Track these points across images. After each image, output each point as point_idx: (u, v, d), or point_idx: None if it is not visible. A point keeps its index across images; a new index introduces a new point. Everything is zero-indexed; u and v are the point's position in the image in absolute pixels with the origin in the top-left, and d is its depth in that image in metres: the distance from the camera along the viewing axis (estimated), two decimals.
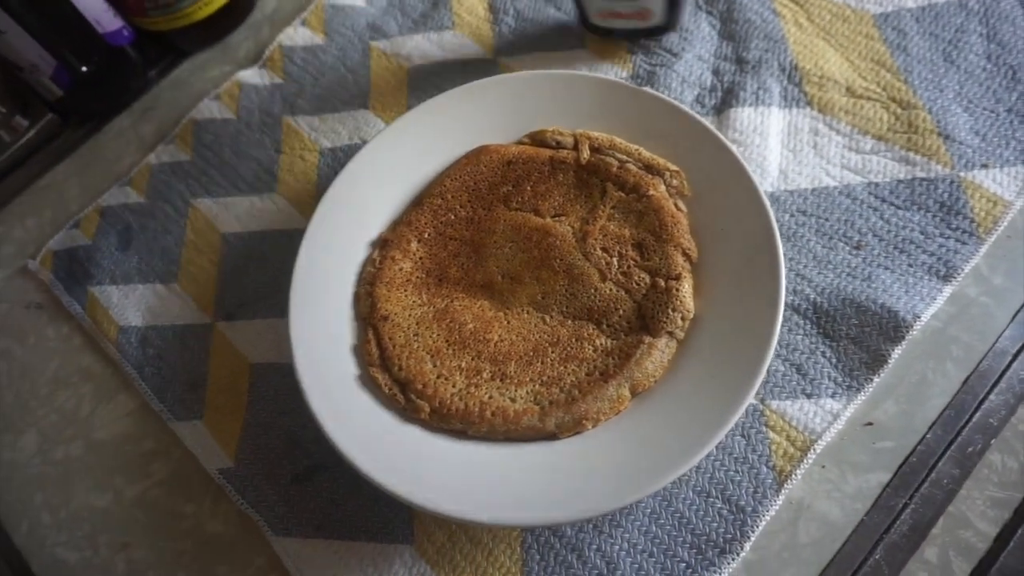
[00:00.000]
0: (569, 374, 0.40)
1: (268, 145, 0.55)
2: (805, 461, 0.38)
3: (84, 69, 0.55)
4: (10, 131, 0.58)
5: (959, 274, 0.41)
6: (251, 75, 0.58)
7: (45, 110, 0.59)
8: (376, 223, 0.47)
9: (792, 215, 0.45)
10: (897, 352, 0.40)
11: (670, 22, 0.50)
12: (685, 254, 0.41)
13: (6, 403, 0.50)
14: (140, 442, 0.47)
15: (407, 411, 0.40)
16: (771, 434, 0.39)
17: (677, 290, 0.40)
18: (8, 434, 0.48)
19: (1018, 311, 0.41)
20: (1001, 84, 0.46)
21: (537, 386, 0.40)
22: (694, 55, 0.51)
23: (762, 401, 0.40)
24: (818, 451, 0.39)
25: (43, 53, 0.52)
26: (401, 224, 0.46)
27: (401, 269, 0.44)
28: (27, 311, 0.53)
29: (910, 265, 0.42)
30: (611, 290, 0.41)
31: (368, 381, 0.42)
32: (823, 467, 0.39)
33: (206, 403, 0.47)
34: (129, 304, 0.51)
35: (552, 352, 0.41)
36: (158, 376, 0.48)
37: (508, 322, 0.42)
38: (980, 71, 0.47)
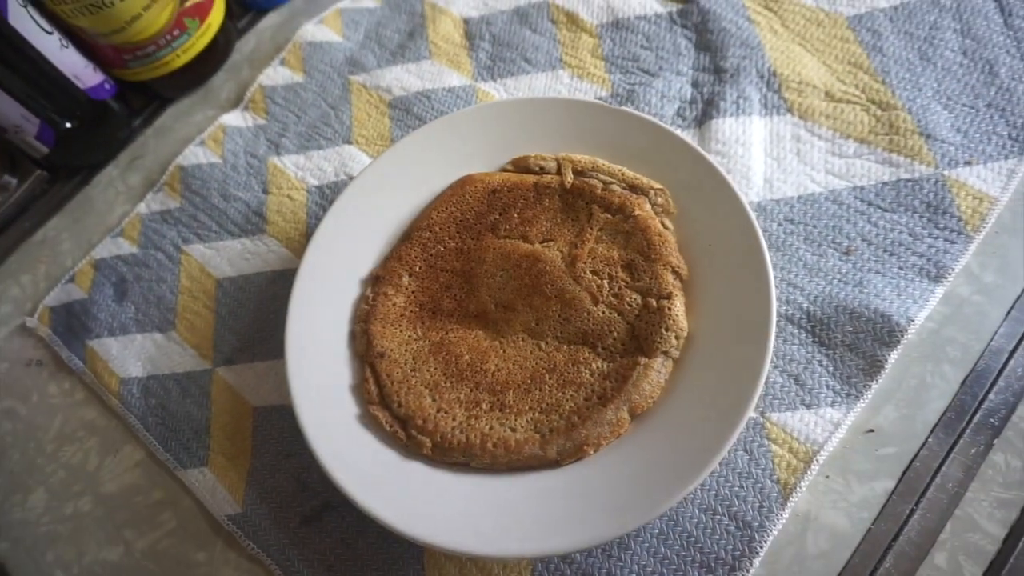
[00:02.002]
0: (568, 400, 0.40)
1: (255, 187, 0.55)
2: (809, 472, 0.38)
3: (68, 125, 0.55)
4: (0, 190, 0.59)
5: (950, 274, 0.41)
6: (234, 118, 0.59)
7: (33, 167, 0.59)
8: (367, 259, 0.47)
9: (780, 224, 0.45)
10: (893, 357, 0.40)
11: None
12: (675, 272, 0.41)
13: (13, 462, 0.50)
14: (148, 493, 0.47)
15: (409, 447, 0.40)
16: (773, 447, 0.39)
17: (669, 309, 0.40)
18: (17, 494, 0.49)
19: (1011, 307, 0.41)
20: (979, 79, 0.46)
21: (537, 414, 0.40)
22: (672, 71, 0.51)
23: (762, 414, 0.40)
24: (821, 461, 0.39)
25: (26, 114, 0.52)
26: (391, 259, 0.46)
27: (395, 304, 0.45)
28: (28, 368, 0.53)
29: (900, 268, 0.42)
30: (604, 313, 0.42)
31: (369, 419, 0.42)
32: (827, 477, 0.39)
33: (211, 449, 0.47)
34: (129, 355, 0.51)
35: (549, 379, 0.41)
36: (162, 425, 0.48)
37: (504, 351, 0.42)
38: (957, 67, 0.47)
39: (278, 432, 0.46)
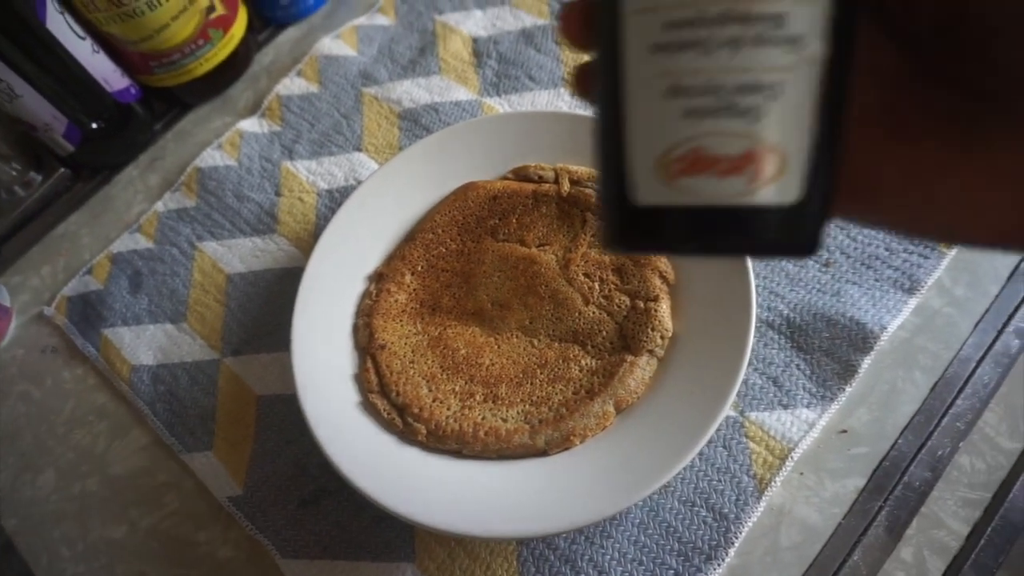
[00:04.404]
0: (557, 393, 0.42)
1: (268, 189, 0.58)
2: (784, 469, 0.40)
3: (94, 126, 0.58)
4: (25, 186, 0.61)
5: (923, 287, 0.43)
6: (251, 124, 0.62)
7: (57, 165, 0.62)
8: (372, 258, 0.49)
9: None
10: (867, 362, 0.42)
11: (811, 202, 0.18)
12: (662, 276, 0.44)
13: (26, 443, 0.52)
14: (153, 475, 0.49)
15: (405, 434, 0.43)
16: (751, 444, 0.41)
17: (655, 311, 0.42)
18: (28, 473, 0.51)
19: (980, 319, 0.43)
20: None
21: (527, 406, 0.42)
22: None
23: (741, 413, 0.42)
24: (796, 459, 0.41)
25: (56, 113, 0.55)
26: (395, 258, 0.48)
27: (396, 300, 0.47)
28: (43, 355, 0.55)
29: (876, 280, 0.44)
30: (594, 313, 0.44)
31: (368, 407, 0.44)
32: (801, 474, 0.41)
33: (216, 435, 0.49)
34: (141, 344, 0.53)
35: (540, 373, 0.43)
36: (169, 411, 0.50)
37: (499, 347, 0.45)
38: None
39: (280, 420, 0.48)
